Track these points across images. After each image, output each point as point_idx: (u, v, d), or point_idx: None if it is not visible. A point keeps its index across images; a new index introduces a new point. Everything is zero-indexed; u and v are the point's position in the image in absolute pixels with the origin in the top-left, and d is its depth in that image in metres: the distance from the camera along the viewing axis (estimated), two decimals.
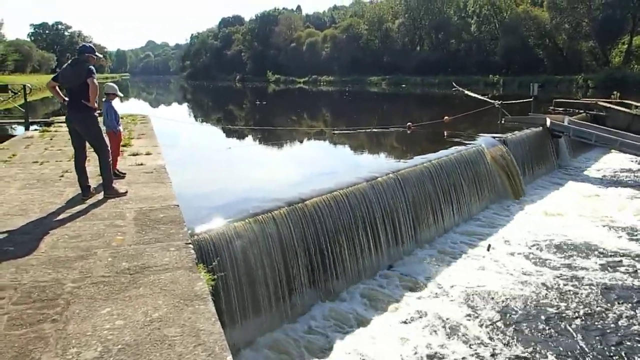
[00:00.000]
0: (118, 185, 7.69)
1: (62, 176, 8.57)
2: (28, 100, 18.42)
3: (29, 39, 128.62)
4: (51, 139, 13.07)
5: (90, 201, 6.99)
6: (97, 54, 7.40)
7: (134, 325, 3.65)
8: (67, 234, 5.62)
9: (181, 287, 4.29)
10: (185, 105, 53.48)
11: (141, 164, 9.55)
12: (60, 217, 6.28)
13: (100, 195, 7.25)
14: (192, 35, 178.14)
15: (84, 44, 7.65)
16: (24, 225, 5.94)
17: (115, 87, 8.93)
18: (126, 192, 7.49)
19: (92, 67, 7.05)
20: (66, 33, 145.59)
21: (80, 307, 3.94)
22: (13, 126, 18.72)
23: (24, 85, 18.92)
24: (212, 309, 3.89)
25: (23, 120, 17.10)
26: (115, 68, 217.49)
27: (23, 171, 9.05)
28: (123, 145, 11.40)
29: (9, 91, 19.73)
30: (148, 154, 10.75)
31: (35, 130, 15.96)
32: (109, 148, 7.66)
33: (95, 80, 6.96)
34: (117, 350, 3.35)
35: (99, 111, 7.44)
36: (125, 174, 8.55)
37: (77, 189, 7.49)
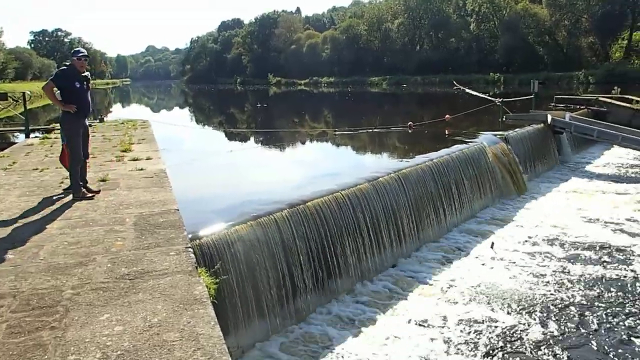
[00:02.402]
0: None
1: (62, 183, 8.54)
2: (29, 107, 18.44)
3: (29, 47, 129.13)
4: (51, 146, 13.06)
5: (90, 207, 6.97)
6: (75, 57, 7.48)
7: (133, 331, 3.62)
8: (67, 240, 5.60)
9: (180, 291, 4.26)
10: (186, 109, 53.58)
11: (141, 169, 9.54)
12: (60, 223, 6.26)
13: (101, 202, 7.24)
14: (192, 39, 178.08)
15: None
16: (24, 232, 5.92)
17: None
18: (93, 196, 7.51)
19: (56, 70, 7.65)
20: (66, 40, 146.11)
21: (79, 314, 3.91)
22: (14, 134, 18.72)
23: (24, 93, 18.92)
24: (211, 313, 3.86)
25: (24, 128, 17.10)
26: (116, 73, 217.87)
27: (23, 179, 9.03)
28: (123, 151, 11.45)
29: (10, 99, 19.71)
30: (148, 158, 10.74)
31: (36, 137, 15.98)
32: (76, 156, 7.58)
33: (45, 84, 7.40)
34: (116, 356, 3.32)
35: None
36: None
37: None
